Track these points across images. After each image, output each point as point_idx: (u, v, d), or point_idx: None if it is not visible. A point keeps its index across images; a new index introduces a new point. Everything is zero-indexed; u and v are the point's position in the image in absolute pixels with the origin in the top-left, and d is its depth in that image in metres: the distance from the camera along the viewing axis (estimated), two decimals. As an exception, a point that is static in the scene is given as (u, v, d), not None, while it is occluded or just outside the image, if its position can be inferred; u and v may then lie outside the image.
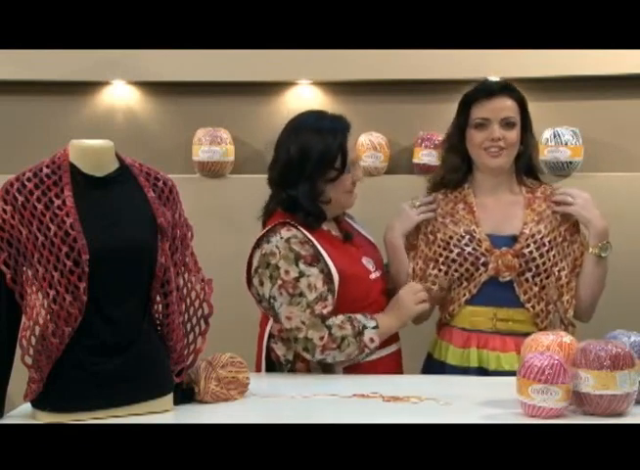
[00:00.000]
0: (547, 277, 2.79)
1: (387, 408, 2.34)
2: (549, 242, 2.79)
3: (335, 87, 3.82)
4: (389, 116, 3.79)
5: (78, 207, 2.20)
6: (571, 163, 3.58)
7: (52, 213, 2.18)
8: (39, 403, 2.23)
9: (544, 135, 3.59)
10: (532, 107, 2.93)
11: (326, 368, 2.70)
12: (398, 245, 2.91)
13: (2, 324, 2.21)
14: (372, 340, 2.66)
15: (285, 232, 2.68)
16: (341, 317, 2.65)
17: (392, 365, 2.79)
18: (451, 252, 2.81)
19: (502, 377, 2.58)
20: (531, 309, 2.78)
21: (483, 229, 2.82)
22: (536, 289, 2.79)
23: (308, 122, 2.78)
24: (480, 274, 2.79)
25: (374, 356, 2.71)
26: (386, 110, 3.80)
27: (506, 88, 2.87)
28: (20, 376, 2.28)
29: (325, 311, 2.63)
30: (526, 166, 2.91)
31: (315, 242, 2.68)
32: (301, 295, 2.62)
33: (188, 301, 2.39)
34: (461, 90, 3.71)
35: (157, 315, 2.32)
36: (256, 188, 3.74)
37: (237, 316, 3.51)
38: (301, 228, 2.69)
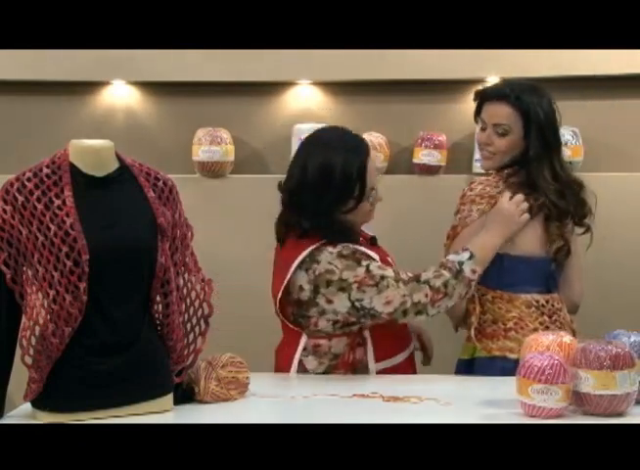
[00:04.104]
0: None
1: (387, 408, 2.34)
2: None
3: (335, 87, 3.82)
4: (389, 116, 3.79)
5: (78, 207, 2.19)
6: (570, 163, 3.56)
7: (52, 213, 2.18)
8: (39, 403, 2.22)
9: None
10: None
11: (357, 371, 2.69)
12: None
13: (2, 324, 2.21)
14: (474, 271, 2.65)
15: (331, 248, 2.60)
16: (432, 267, 2.63)
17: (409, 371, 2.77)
18: None
19: (502, 377, 2.58)
20: None
21: None
22: None
23: (331, 139, 2.66)
24: None
25: (387, 365, 2.70)
26: (386, 110, 3.80)
27: (504, 95, 2.83)
28: (20, 376, 2.28)
29: (410, 273, 2.61)
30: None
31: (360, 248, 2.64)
32: (382, 277, 2.57)
33: (188, 301, 2.39)
34: (461, 90, 3.75)
35: (157, 315, 2.31)
36: (256, 188, 3.77)
37: (237, 317, 3.52)
38: None
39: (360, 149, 2.65)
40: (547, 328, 2.73)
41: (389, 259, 2.76)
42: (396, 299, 2.58)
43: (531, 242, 2.82)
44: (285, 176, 2.70)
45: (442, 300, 2.61)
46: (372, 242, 2.77)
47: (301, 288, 2.62)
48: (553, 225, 2.82)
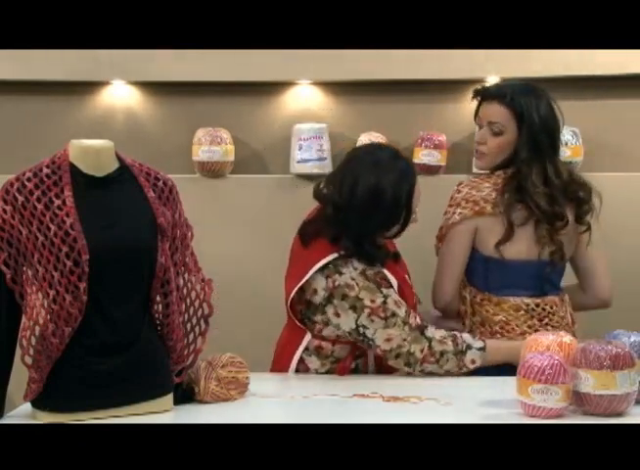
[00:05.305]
0: None
1: (387, 408, 2.35)
2: None
3: (335, 87, 3.82)
4: (389, 116, 3.79)
5: (78, 207, 2.19)
6: (570, 162, 3.58)
7: (52, 213, 2.18)
8: (39, 403, 2.22)
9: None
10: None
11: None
12: None
13: (2, 324, 2.21)
14: (473, 361, 2.61)
15: (357, 263, 2.61)
16: (443, 332, 2.61)
17: None
18: None
19: (502, 377, 2.57)
20: None
21: None
22: None
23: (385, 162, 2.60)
24: None
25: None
26: (386, 110, 3.80)
27: (501, 95, 2.84)
28: (20, 376, 2.28)
29: (419, 321, 2.61)
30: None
31: (384, 269, 2.64)
32: (394, 314, 2.59)
33: (188, 301, 2.39)
34: (461, 90, 3.75)
35: (157, 315, 2.32)
36: (256, 188, 3.77)
37: (237, 317, 3.52)
38: None
39: (410, 173, 2.63)
40: (536, 332, 2.71)
41: (407, 277, 2.75)
42: (397, 339, 2.59)
43: (521, 246, 2.81)
44: (324, 181, 2.68)
45: (431, 364, 2.61)
46: (395, 256, 2.75)
47: (316, 291, 2.63)
48: (542, 229, 2.80)
